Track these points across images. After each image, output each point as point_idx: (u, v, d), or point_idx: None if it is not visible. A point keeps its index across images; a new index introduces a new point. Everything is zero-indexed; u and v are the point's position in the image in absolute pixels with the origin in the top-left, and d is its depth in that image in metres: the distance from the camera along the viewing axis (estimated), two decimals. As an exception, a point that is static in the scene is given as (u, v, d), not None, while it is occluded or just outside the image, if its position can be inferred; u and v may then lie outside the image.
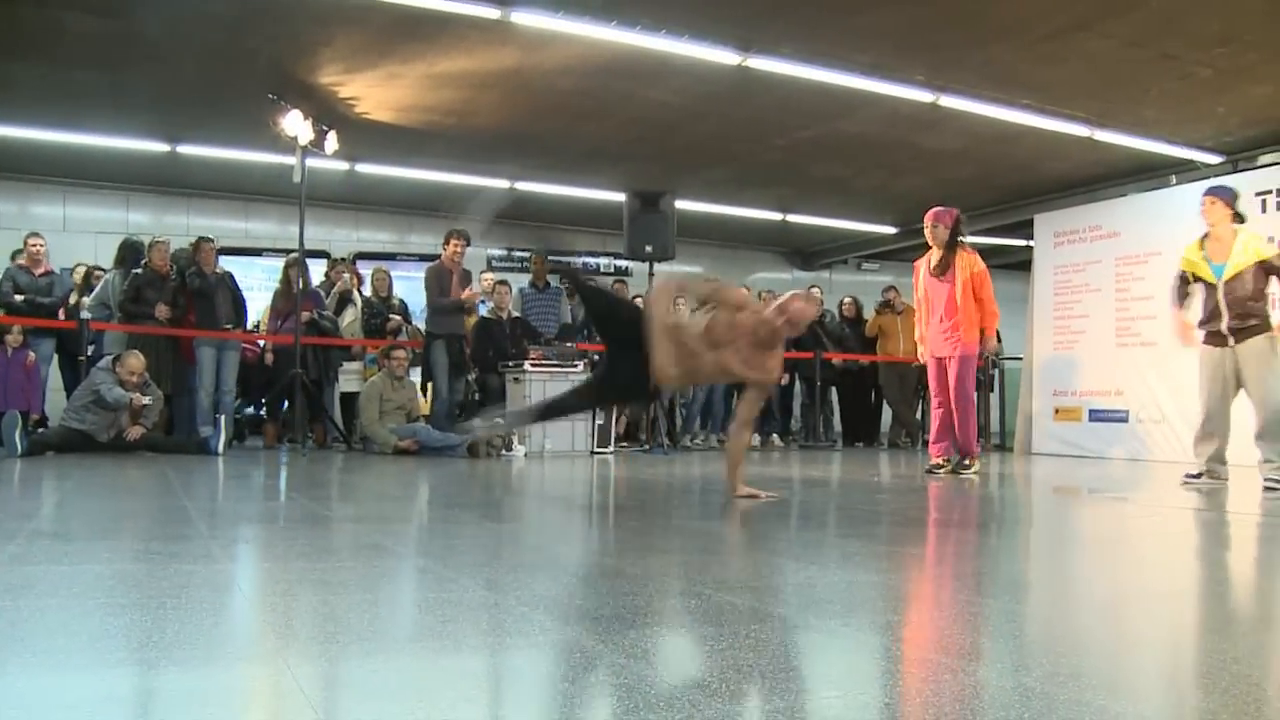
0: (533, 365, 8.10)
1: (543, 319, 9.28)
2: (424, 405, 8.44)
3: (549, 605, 2.02)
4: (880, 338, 10.54)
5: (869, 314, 11.06)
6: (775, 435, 10.38)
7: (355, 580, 2.28)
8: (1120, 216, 9.17)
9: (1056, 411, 9.44)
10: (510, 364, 8.29)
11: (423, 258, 11.14)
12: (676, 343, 4.16)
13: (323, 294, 9.06)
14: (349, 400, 8.75)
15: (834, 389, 10.96)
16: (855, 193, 10.96)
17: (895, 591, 2.31)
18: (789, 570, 2.53)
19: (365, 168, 10.07)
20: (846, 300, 11.14)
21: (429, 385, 8.57)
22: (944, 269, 6.23)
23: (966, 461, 6.28)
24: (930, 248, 6.39)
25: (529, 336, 8.71)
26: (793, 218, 12.17)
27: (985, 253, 6.49)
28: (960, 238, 6.27)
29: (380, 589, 2.20)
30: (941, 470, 6.31)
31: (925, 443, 10.24)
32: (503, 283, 9.18)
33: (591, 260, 13.14)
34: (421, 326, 8.95)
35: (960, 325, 6.17)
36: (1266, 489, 5.22)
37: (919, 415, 10.84)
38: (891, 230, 12.72)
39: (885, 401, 10.64)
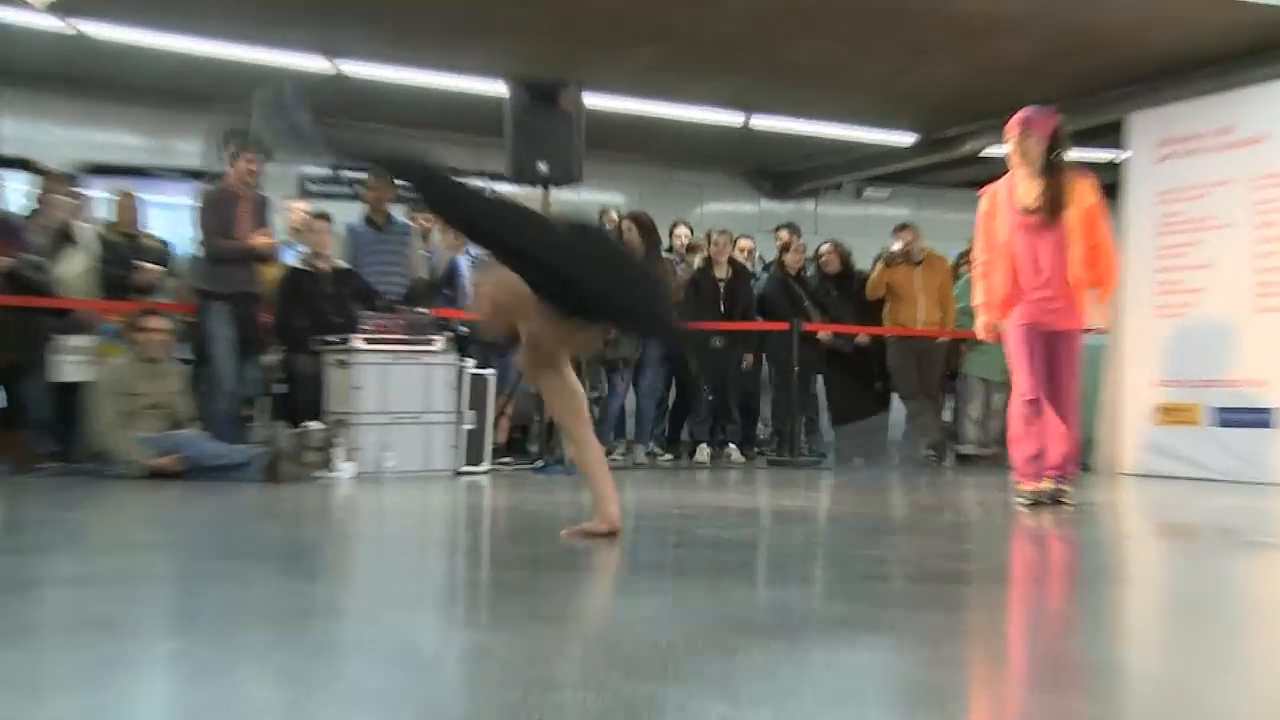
0: (368, 341, 8.04)
1: (383, 271, 9.22)
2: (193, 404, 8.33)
3: (373, 705, 2.03)
4: (890, 301, 10.64)
5: (867, 265, 11.13)
6: (733, 446, 10.48)
7: (66, 676, 2.26)
8: (1265, 112, 9.31)
9: (1161, 411, 9.64)
10: (333, 339, 8.22)
11: (195, 175, 10.95)
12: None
13: (26, 228, 8.87)
14: (71, 395, 8.59)
15: (819, 378, 11.08)
16: (854, 84, 11.02)
17: (900, 680, 2.36)
18: (741, 648, 2.57)
19: (97, 30, 9.82)
20: (825, 247, 11.12)
21: (203, 371, 8.45)
22: (1050, 206, 6.21)
23: (1064, 485, 6.34)
24: (1013, 169, 6.33)
25: (362, 298, 8.63)
26: (760, 121, 12.20)
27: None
28: (1060, 154, 6.26)
29: (106, 688, 2.18)
30: (1064, 500, 6.27)
31: (959, 457, 10.46)
32: (322, 216, 9.03)
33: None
34: (193, 282, 8.80)
35: (1079, 284, 6.22)
36: None
37: (948, 414, 11.00)
38: (908, 139, 12.84)
39: (897, 396, 10.79)
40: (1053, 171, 6.21)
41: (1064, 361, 6.31)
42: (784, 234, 11.16)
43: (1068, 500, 6.30)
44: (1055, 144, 6.23)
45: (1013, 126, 6.28)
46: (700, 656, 2.53)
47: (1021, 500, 6.26)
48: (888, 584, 3.73)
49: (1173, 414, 9.54)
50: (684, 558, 4.34)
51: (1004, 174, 6.47)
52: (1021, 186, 6.30)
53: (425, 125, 12.46)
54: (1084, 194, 6.22)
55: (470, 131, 12.34)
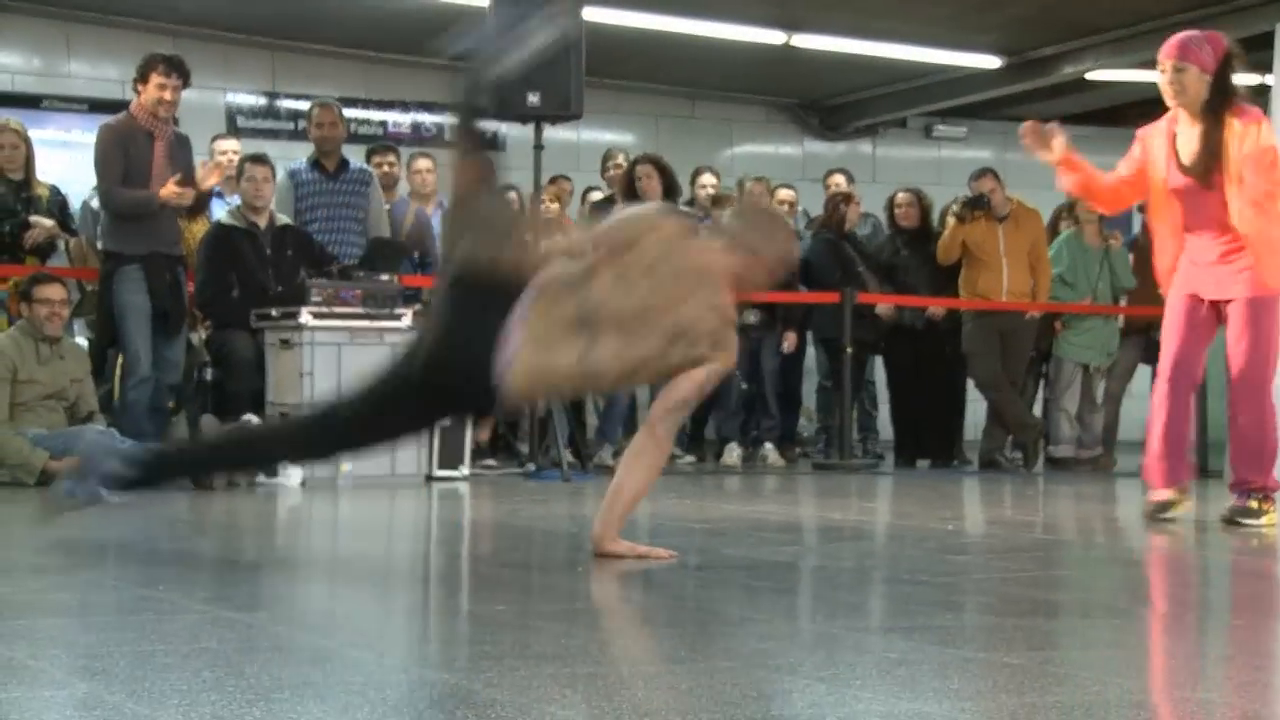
0: (317, 315, 8.05)
1: (335, 228, 9.22)
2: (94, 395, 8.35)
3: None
4: (966, 265, 10.58)
5: (946, 221, 11.07)
6: (770, 446, 10.46)
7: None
8: None
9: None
10: (274, 313, 8.23)
11: (96, 106, 10.95)
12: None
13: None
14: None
15: (878, 359, 11.06)
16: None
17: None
18: (774, 691, 2.59)
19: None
20: (902, 197, 11.08)
21: (110, 354, 8.45)
22: (1209, 158, 6.05)
23: (1257, 502, 6.18)
24: (1172, 108, 6.22)
25: (309, 261, 8.63)
26: (805, 40, 12.18)
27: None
28: (1231, 91, 6.09)
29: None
30: (1176, 512, 6.20)
31: (1051, 460, 10.43)
32: (258, 160, 9.02)
33: (427, 118, 13.02)
34: (97, 241, 8.80)
35: (1253, 242, 5.97)
36: None
37: (1037, 407, 10.97)
38: (992, 63, 12.78)
39: (974, 383, 10.75)
40: (1215, 109, 6.02)
41: (1253, 338, 6.03)
42: (838, 180, 11.12)
43: (1259, 524, 6.11)
44: (1222, 74, 6.03)
45: (1169, 53, 6.06)
46: (725, 702, 2.55)
47: (1149, 509, 6.19)
48: (958, 616, 3.74)
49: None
50: (708, 582, 4.35)
51: (1161, 112, 6.25)
52: (1183, 135, 6.12)
53: (382, 47, 12.41)
54: (1255, 133, 5.97)
55: (439, 54, 12.30)
